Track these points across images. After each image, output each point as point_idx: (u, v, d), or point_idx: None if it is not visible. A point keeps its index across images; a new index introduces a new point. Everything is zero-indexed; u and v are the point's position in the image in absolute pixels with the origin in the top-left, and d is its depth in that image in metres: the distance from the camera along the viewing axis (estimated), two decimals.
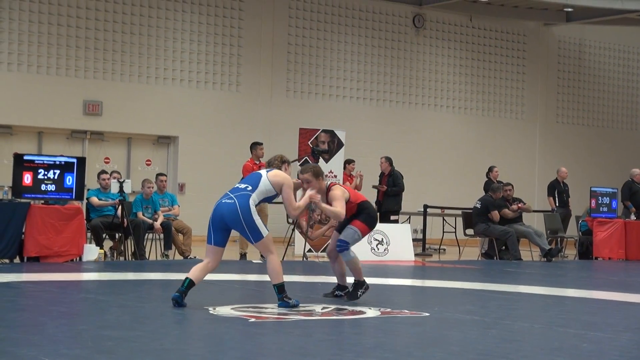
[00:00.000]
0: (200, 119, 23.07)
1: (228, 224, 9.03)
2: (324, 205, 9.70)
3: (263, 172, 9.33)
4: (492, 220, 18.50)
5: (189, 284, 8.92)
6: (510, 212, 18.69)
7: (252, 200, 9.02)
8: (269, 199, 9.28)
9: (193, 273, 9.02)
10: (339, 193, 9.82)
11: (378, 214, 9.44)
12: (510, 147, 27.78)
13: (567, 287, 13.53)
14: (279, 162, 9.65)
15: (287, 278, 13.03)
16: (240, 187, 9.17)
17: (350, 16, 25.41)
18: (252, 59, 23.91)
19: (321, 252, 17.95)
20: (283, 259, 16.69)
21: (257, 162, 16.74)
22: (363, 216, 9.97)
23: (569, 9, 27.16)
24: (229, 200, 9.01)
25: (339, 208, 9.67)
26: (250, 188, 9.09)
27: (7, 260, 14.00)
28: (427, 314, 8.99)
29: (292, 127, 21.73)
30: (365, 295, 9.98)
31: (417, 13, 26.38)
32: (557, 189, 21.52)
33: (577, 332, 8.20)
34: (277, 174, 9.26)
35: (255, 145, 17.01)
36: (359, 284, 9.93)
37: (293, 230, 18.15)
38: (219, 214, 9.03)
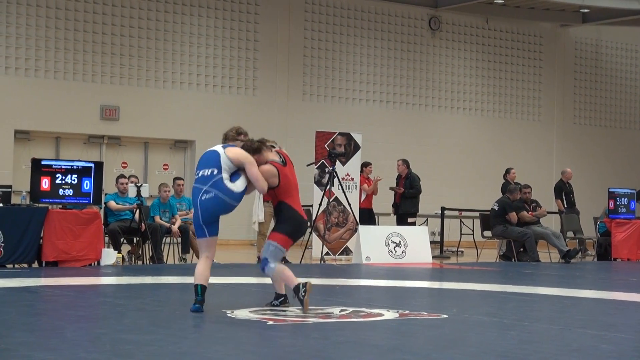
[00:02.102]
0: (216, 123, 23.03)
1: (221, 214, 8.90)
2: (254, 170, 8.91)
3: (219, 149, 8.95)
4: (510, 222, 18.44)
5: (203, 289, 8.76)
6: (528, 216, 18.63)
7: (228, 183, 8.81)
8: (235, 178, 8.87)
9: (202, 277, 8.81)
10: (264, 170, 9.01)
11: (307, 221, 8.89)
12: (527, 149, 27.70)
13: (586, 288, 13.46)
14: (234, 134, 9.24)
15: (304, 281, 13.06)
16: (206, 174, 8.86)
17: (366, 19, 25.39)
18: (269, 62, 23.93)
19: (339, 255, 17.95)
20: (301, 261, 16.71)
21: None
22: (284, 226, 9.12)
23: (585, 10, 27.09)
24: (209, 195, 8.78)
25: (263, 181, 8.95)
26: (216, 171, 8.81)
27: (25, 265, 14.05)
28: (446, 316, 8.96)
29: (308, 131, 21.72)
30: (380, 298, 9.91)
31: (432, 15, 26.35)
32: (564, 190, 21.44)
33: (596, 333, 8.16)
34: (232, 151, 8.91)
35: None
36: (297, 288, 8.98)
37: (310, 233, 18.14)
38: (210, 210, 8.81)
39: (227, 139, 9.24)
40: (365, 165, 19.13)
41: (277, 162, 9.20)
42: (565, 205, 21.27)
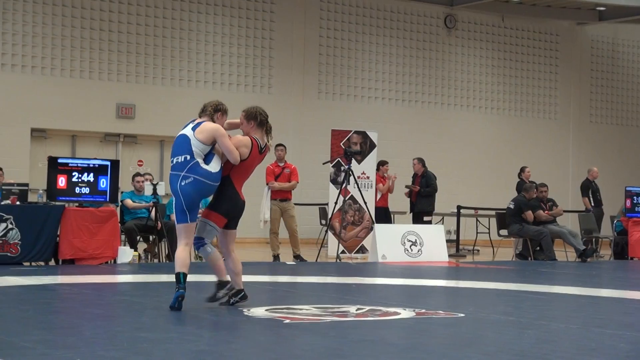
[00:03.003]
0: None
1: (203, 198, 8.87)
2: (226, 141, 8.82)
3: (189, 133, 8.86)
4: (526, 221, 18.40)
5: (185, 277, 8.69)
6: (544, 214, 18.59)
7: (204, 165, 8.75)
8: (209, 160, 8.78)
9: (184, 265, 8.73)
10: (238, 139, 8.97)
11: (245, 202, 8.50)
12: (543, 147, 27.63)
13: (603, 287, 13.44)
14: (212, 110, 9.08)
15: (319, 279, 13.09)
16: (180, 161, 8.78)
17: (381, 17, 25.37)
18: (284, 61, 23.94)
19: (354, 253, 17.95)
20: (316, 260, 16.72)
21: (280, 165, 16.77)
22: (223, 205, 8.91)
23: (602, 8, 27.01)
24: (188, 180, 8.71)
25: (236, 152, 8.84)
26: (189, 157, 8.75)
27: (42, 263, 14.10)
28: (462, 315, 8.95)
29: (324, 129, 21.71)
30: (397, 296, 9.91)
31: (448, 13, 26.31)
32: (591, 189, 21.38)
33: (614, 333, 8.12)
34: (201, 131, 8.82)
35: (275, 148, 17.05)
36: (221, 284, 9.01)
37: (326, 231, 18.16)
38: (192, 195, 8.72)
39: (204, 113, 9.11)
40: (381, 164, 19.12)
41: (257, 143, 9.10)
42: (593, 204, 21.20)
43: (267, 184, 16.59)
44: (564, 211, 19.89)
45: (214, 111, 9.10)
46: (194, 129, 8.92)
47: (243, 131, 9.20)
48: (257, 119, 9.24)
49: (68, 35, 21.43)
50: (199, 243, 8.93)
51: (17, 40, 20.90)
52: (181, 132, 8.99)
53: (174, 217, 15.60)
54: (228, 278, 9.06)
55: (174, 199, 8.91)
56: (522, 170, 21.18)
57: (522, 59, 27.56)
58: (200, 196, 8.82)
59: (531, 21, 27.55)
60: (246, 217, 22.54)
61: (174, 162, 8.88)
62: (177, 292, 8.66)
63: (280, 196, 16.68)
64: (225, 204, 8.94)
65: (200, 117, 9.12)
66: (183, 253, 8.82)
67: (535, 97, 27.77)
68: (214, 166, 8.84)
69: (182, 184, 8.76)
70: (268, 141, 9.32)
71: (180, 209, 8.83)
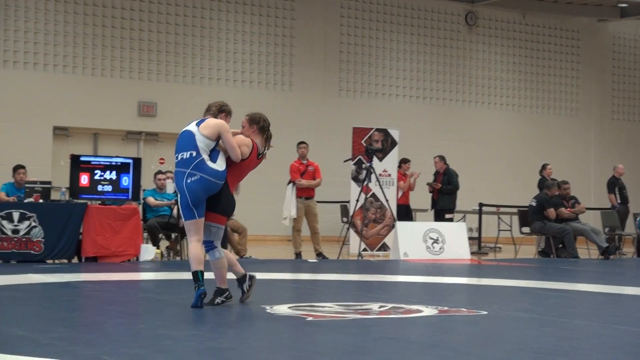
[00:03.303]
0: None
1: (209, 195, 8.83)
2: (230, 137, 8.88)
3: (194, 129, 8.91)
4: (548, 218, 18.35)
5: (202, 275, 8.74)
6: (566, 212, 18.53)
7: (210, 163, 8.78)
8: (214, 157, 8.82)
9: (200, 262, 8.75)
10: (239, 139, 9.02)
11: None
12: (565, 145, 27.53)
13: (625, 285, 13.37)
14: (216, 110, 9.13)
15: (341, 277, 13.10)
16: (185, 157, 8.82)
17: (402, 14, 25.35)
18: (304, 58, 23.95)
19: (376, 251, 17.94)
20: (338, 257, 16.72)
21: (304, 162, 16.78)
22: (222, 206, 8.91)
23: (624, 5, 26.88)
24: (194, 178, 8.73)
25: (238, 149, 8.91)
26: (195, 153, 8.78)
27: (65, 260, 14.17)
28: (485, 313, 8.93)
29: (345, 126, 21.68)
30: (419, 294, 9.89)
31: (469, 11, 26.26)
32: (618, 186, 21.29)
33: (636, 330, 8.10)
34: (205, 126, 8.87)
35: (297, 145, 17.06)
36: (220, 292, 8.98)
37: (348, 229, 18.15)
38: (198, 193, 8.73)
39: (208, 111, 9.18)
40: (403, 161, 19.11)
41: (257, 146, 9.12)
42: (619, 201, 21.12)
43: (292, 182, 16.59)
44: (586, 208, 19.80)
45: (219, 111, 9.15)
46: (198, 124, 8.95)
47: (244, 134, 9.19)
48: (259, 123, 9.22)
49: (90, 34, 21.51)
50: (209, 246, 8.93)
51: (39, 38, 21.00)
52: (185, 129, 9.01)
53: None
54: (227, 285, 9.01)
55: (178, 195, 8.90)
56: (544, 167, 21.10)
57: (543, 56, 27.48)
58: (206, 194, 8.81)
59: (552, 18, 27.45)
60: (268, 216, 22.56)
61: (179, 158, 8.89)
62: (197, 290, 8.68)
63: (305, 194, 16.68)
64: (223, 203, 8.94)
65: (204, 117, 9.16)
66: (196, 249, 8.82)
67: (556, 94, 27.68)
68: (221, 164, 8.86)
69: (188, 181, 8.76)
70: (267, 149, 9.28)
71: (186, 206, 8.81)
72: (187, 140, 8.89)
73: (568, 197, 18.96)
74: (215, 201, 8.89)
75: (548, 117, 27.51)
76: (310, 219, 16.69)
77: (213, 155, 8.85)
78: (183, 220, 8.98)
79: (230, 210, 9.12)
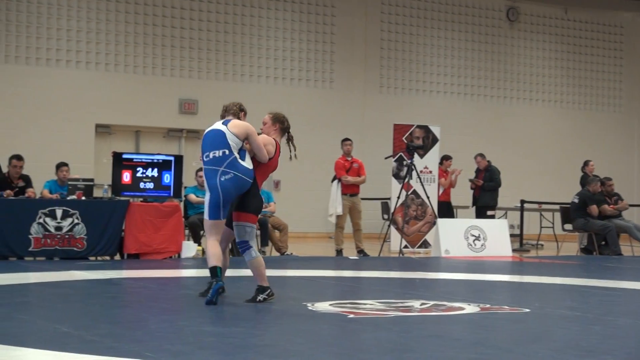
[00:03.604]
0: (294, 116, 22.92)
1: (240, 194, 8.88)
2: (258, 139, 8.99)
3: (223, 127, 8.92)
4: (591, 215, 18.21)
5: (221, 271, 8.81)
6: (609, 209, 18.39)
7: (242, 162, 8.84)
8: (242, 156, 8.89)
9: (218, 259, 8.81)
10: (265, 138, 9.11)
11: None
12: (608, 141, 27.31)
13: None
14: (237, 110, 9.25)
15: (382, 274, 13.08)
16: (217, 155, 8.82)
17: (443, 11, 25.25)
18: (345, 55, 23.94)
19: (417, 248, 17.90)
20: (379, 254, 16.70)
21: (349, 159, 16.76)
22: (253, 205, 8.94)
23: None
24: (227, 176, 8.77)
25: (265, 150, 9.03)
26: (227, 152, 8.82)
27: (107, 257, 14.26)
28: (527, 310, 8.86)
29: (386, 123, 21.66)
30: (461, 291, 9.83)
31: (510, 6, 26.11)
32: None
33: None
34: (234, 126, 8.93)
35: (342, 142, 17.04)
36: (261, 289, 8.99)
37: (389, 226, 18.13)
38: (231, 191, 8.78)
39: (228, 112, 9.24)
40: (445, 158, 19.07)
41: (279, 145, 9.27)
42: None
43: (337, 179, 16.58)
44: (630, 205, 19.64)
45: (240, 110, 9.28)
46: (224, 123, 9.00)
47: (264, 131, 9.28)
48: (283, 123, 9.37)
49: (132, 32, 21.63)
50: (244, 247, 8.92)
51: (81, 37, 21.14)
52: (212, 128, 9.03)
53: None
54: (267, 283, 9.03)
55: (208, 194, 8.91)
56: (586, 164, 20.95)
57: (585, 52, 27.26)
58: (237, 193, 8.86)
59: (594, 13, 27.23)
60: (308, 213, 22.59)
61: (210, 156, 8.87)
62: (215, 285, 8.70)
63: (351, 191, 16.66)
64: (255, 202, 8.99)
65: (226, 117, 9.20)
66: (215, 247, 8.85)
67: (599, 90, 27.46)
68: (249, 163, 8.93)
69: (222, 179, 8.78)
70: (294, 150, 9.42)
71: (216, 205, 8.83)
72: (217, 139, 8.91)
73: (611, 194, 18.81)
74: (247, 201, 8.92)
75: (591, 113, 27.30)
76: (354, 216, 16.67)
77: (241, 154, 8.91)
78: (207, 218, 8.94)
79: (260, 209, 9.15)
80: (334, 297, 9.83)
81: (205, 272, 9.29)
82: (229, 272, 9.72)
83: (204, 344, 6.65)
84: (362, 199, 17.14)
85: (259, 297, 8.92)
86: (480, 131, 25.25)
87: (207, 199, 8.94)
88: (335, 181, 16.63)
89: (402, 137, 18.19)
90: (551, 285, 11.96)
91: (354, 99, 24.02)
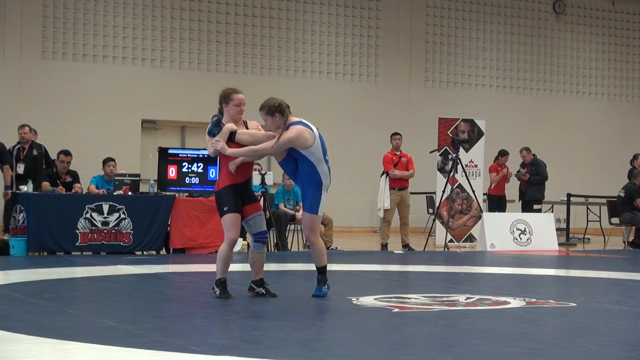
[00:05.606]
0: (339, 110, 23.16)
1: None
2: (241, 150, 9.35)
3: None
4: (638, 209, 18.05)
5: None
6: None
7: None
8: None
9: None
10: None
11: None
12: None
13: None
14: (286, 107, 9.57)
15: (428, 268, 13.06)
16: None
17: (488, 4, 25.11)
18: (390, 49, 23.89)
19: (462, 242, 17.84)
20: (424, 249, 16.67)
21: (398, 153, 16.72)
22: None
23: None
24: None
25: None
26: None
27: (153, 252, 14.35)
28: (574, 304, 8.81)
29: (431, 117, 21.60)
30: (506, 285, 9.76)
31: None
32: None
33: None
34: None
35: (391, 136, 17.01)
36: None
37: (434, 220, 18.08)
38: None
39: (282, 113, 9.58)
40: (502, 154, 19.08)
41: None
42: None
43: (385, 172, 16.56)
44: None
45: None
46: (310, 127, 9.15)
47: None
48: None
49: (177, 28, 21.74)
50: (266, 236, 9.31)
51: (127, 33, 21.28)
52: (316, 131, 9.14)
53: (282, 206, 15.82)
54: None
55: (325, 192, 8.88)
56: (635, 157, 20.74)
57: (633, 44, 26.99)
58: None
59: None
60: (354, 207, 22.53)
61: (328, 159, 9.05)
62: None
63: (399, 185, 16.62)
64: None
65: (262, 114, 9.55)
66: (321, 242, 8.99)
67: None
68: None
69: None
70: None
71: (320, 203, 8.85)
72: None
73: None
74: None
75: (638, 105, 27.02)
76: (403, 210, 16.63)
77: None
78: (319, 214, 8.89)
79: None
80: (379, 291, 9.83)
81: (248, 267, 9.31)
82: (273, 267, 9.75)
83: (249, 338, 6.68)
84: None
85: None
86: (525, 124, 25.09)
87: (323, 196, 8.88)
88: (384, 175, 16.61)
89: (447, 131, 18.13)
90: (598, 279, 11.87)
91: (399, 93, 23.98)
